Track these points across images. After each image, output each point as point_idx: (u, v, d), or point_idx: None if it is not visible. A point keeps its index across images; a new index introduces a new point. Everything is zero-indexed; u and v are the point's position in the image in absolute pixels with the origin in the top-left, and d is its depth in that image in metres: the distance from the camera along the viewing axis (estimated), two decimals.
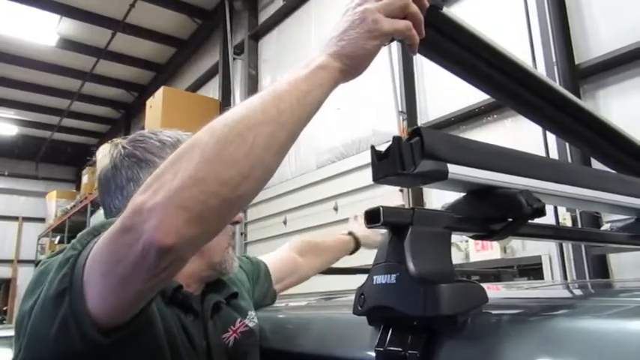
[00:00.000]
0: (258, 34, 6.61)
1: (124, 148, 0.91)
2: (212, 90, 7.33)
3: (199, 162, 0.55)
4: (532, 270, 3.36)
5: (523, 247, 3.46)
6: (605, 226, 0.91)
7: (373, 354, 0.53)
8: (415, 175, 0.53)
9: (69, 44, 7.97)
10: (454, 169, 0.55)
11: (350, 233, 1.48)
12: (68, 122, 10.35)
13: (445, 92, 4.09)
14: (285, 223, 5.82)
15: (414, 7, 0.66)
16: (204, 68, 7.65)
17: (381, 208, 0.51)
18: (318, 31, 5.44)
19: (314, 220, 5.33)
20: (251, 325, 0.96)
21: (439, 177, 0.54)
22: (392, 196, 4.42)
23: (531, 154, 0.65)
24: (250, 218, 6.13)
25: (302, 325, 0.85)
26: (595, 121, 0.85)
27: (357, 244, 1.48)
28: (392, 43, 0.70)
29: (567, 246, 3.25)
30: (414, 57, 4.61)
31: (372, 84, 4.59)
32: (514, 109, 0.84)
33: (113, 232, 0.58)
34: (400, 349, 0.50)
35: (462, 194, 0.63)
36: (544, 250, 3.31)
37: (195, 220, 0.54)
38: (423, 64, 4.57)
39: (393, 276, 0.50)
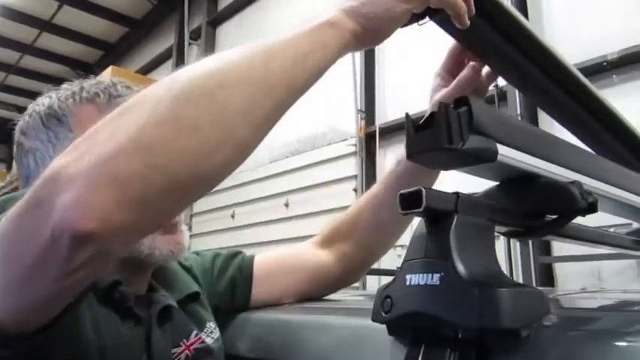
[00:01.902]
0: (216, 20, 6.41)
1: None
2: (164, 74, 6.89)
3: (147, 123, 0.40)
4: None
5: None
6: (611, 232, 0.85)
7: None
8: (462, 153, 0.42)
9: (9, 12, 7.41)
10: (502, 150, 0.45)
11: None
12: (1, 96, 9.64)
13: (407, 93, 4.06)
14: (232, 217, 5.66)
15: None
16: (157, 51, 7.37)
17: (423, 190, 0.40)
18: (289, 21, 5.25)
19: (264, 215, 5.20)
20: (208, 341, 0.73)
21: (488, 157, 0.44)
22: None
23: (581, 148, 0.56)
24: (196, 210, 5.91)
25: (296, 334, 0.68)
26: None
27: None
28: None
29: (515, 253, 3.32)
30: (376, 56, 4.60)
31: (331, 79, 4.51)
32: (555, 119, 0.74)
33: (20, 206, 0.42)
34: None
35: (495, 183, 0.54)
36: None
37: (132, 201, 0.39)
38: (384, 63, 4.54)
39: (436, 276, 0.39)
